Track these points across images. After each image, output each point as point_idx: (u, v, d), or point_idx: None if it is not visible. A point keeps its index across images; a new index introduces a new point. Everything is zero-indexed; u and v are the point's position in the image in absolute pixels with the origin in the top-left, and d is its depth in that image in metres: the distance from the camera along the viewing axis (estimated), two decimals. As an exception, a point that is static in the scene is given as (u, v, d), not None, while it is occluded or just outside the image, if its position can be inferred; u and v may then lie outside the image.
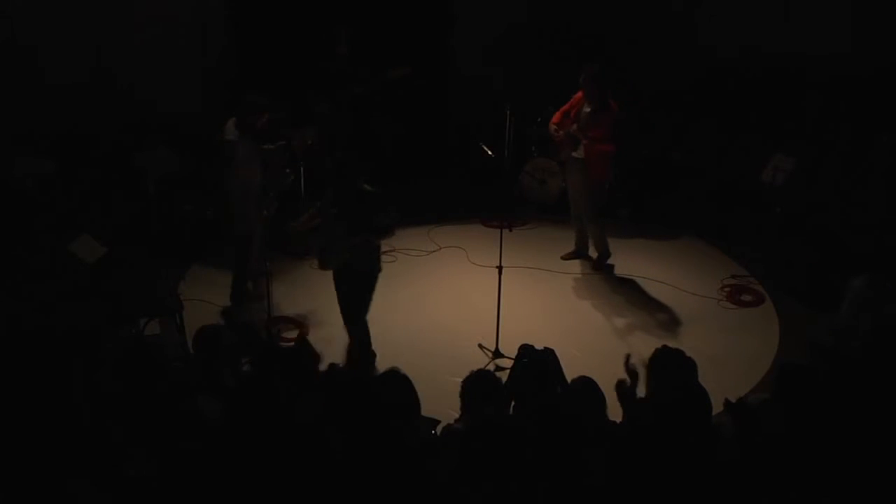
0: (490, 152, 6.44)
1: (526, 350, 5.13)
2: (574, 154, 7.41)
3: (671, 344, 4.49)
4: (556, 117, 7.50)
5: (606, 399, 4.06)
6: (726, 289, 7.46)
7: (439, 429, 4.44)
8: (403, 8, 9.59)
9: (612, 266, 7.83)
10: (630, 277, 7.69)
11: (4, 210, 7.13)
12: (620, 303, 7.27)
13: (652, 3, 9.82)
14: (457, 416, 4.23)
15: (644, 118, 9.16)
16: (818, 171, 7.80)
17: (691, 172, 9.06)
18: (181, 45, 8.65)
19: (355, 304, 5.93)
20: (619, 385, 4.33)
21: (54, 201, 7.34)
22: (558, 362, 4.90)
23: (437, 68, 10.01)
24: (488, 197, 8.19)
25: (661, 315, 7.03)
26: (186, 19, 8.68)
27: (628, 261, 7.99)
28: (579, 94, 7.37)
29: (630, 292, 7.46)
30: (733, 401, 4.26)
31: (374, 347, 6.08)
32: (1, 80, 7.73)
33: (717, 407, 4.06)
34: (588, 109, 7.27)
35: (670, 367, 4.21)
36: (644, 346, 4.67)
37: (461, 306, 7.14)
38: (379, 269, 5.92)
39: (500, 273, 6.34)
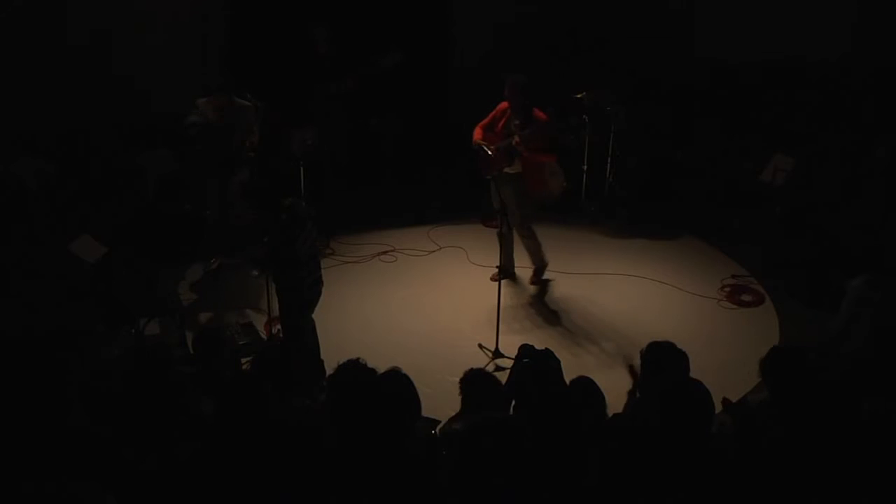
0: (490, 151, 6.43)
1: (526, 350, 5.13)
2: (508, 170, 7.00)
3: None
4: (477, 133, 7.03)
5: (606, 399, 4.06)
6: (726, 289, 7.46)
7: (439, 429, 4.43)
8: (404, 5, 9.61)
9: (548, 280, 7.55)
10: (630, 277, 7.69)
11: (4, 210, 7.13)
12: (620, 303, 7.26)
13: (652, 3, 9.83)
14: (456, 416, 4.24)
15: (645, 118, 9.17)
16: (818, 171, 7.80)
17: (691, 172, 9.06)
18: (181, 46, 8.65)
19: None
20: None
21: (54, 201, 7.35)
22: (558, 362, 4.89)
23: (437, 65, 10.02)
24: (488, 197, 8.20)
25: (660, 315, 7.02)
26: (186, 18, 8.69)
27: (628, 261, 7.99)
28: (502, 105, 6.99)
29: (630, 292, 7.46)
30: (733, 401, 4.27)
31: (373, 347, 6.07)
32: (1, 79, 7.73)
33: (716, 407, 4.06)
34: (517, 122, 6.87)
35: (660, 362, 4.22)
36: (643, 346, 4.66)
37: (461, 306, 7.14)
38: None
39: (499, 273, 6.34)
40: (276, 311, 6.68)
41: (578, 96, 9.00)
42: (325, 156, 8.54)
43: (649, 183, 9.21)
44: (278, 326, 6.61)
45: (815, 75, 8.50)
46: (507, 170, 6.98)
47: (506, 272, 7.34)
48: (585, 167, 8.98)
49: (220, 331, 4.84)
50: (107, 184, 7.80)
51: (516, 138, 6.78)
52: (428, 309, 7.14)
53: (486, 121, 7.07)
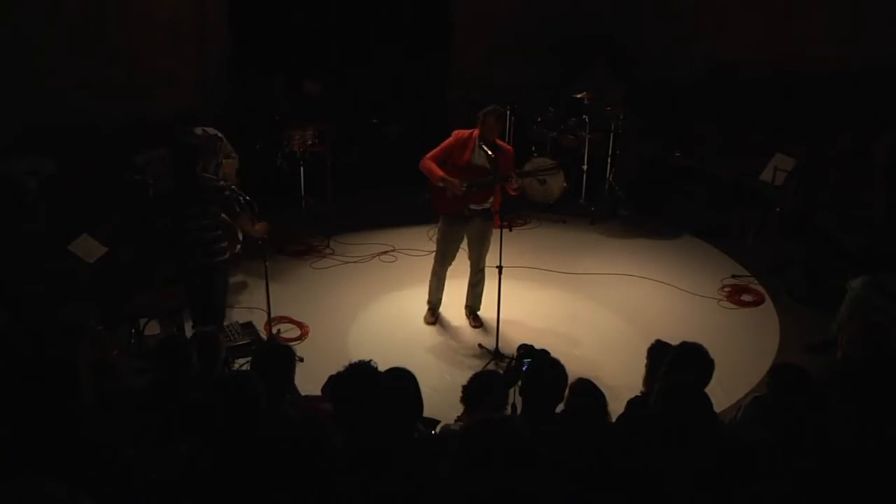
0: (490, 152, 6.41)
1: (525, 350, 5.13)
2: (475, 206, 6.46)
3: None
4: (435, 168, 6.30)
5: (607, 399, 4.06)
6: (726, 289, 7.46)
7: (439, 429, 4.44)
8: (404, 5, 9.63)
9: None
10: (630, 277, 7.69)
11: (4, 210, 7.12)
12: (620, 303, 7.26)
13: (652, 3, 9.83)
14: (456, 415, 4.24)
15: (644, 118, 9.17)
16: (818, 171, 7.80)
17: (691, 172, 9.07)
18: (181, 46, 8.65)
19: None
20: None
21: (54, 201, 7.33)
22: (557, 362, 4.89)
23: (437, 67, 10.02)
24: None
25: (660, 315, 7.01)
26: (187, 17, 8.68)
27: (628, 261, 7.99)
28: (461, 135, 6.40)
29: (630, 292, 7.46)
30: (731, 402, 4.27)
31: (372, 347, 6.07)
32: (1, 78, 7.73)
33: (716, 407, 4.06)
34: (488, 153, 6.20)
35: (690, 366, 4.16)
36: (643, 346, 4.66)
37: (460, 306, 7.13)
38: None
39: (500, 273, 6.33)
40: (276, 311, 6.70)
41: (578, 96, 9.00)
42: (325, 155, 8.54)
43: (649, 183, 9.21)
44: (279, 326, 6.62)
45: (816, 75, 8.49)
46: (475, 206, 6.48)
47: (436, 309, 7.03)
48: (585, 167, 8.99)
49: (217, 332, 4.83)
50: (107, 183, 7.78)
51: (514, 184, 6.25)
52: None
53: (437, 151, 6.38)
